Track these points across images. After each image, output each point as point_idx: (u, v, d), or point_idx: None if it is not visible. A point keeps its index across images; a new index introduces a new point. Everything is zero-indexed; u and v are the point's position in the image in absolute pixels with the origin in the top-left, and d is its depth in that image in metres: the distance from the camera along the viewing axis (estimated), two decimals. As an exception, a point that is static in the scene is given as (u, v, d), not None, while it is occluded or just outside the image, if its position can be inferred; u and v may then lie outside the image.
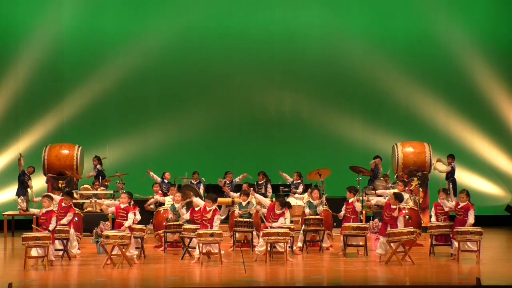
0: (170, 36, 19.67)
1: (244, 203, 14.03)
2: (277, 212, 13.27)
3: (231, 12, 19.83)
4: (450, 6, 19.71)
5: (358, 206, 13.86)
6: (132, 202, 13.33)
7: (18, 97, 19.57)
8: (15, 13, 19.47)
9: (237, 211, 14.09)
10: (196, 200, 13.65)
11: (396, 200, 12.78)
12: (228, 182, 17.44)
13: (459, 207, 13.07)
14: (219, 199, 16.46)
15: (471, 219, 12.88)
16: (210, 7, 19.80)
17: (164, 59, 19.76)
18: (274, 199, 13.87)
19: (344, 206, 13.96)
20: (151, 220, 15.58)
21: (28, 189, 17.20)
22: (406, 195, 14.95)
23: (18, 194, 17.40)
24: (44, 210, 12.77)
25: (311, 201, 14.35)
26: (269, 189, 17.43)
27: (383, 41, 19.72)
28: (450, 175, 17.48)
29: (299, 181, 17.16)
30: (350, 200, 13.92)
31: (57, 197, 13.86)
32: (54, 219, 12.68)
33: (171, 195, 15.24)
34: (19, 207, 17.28)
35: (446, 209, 13.34)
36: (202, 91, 19.93)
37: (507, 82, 19.66)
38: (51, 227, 12.60)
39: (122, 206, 12.95)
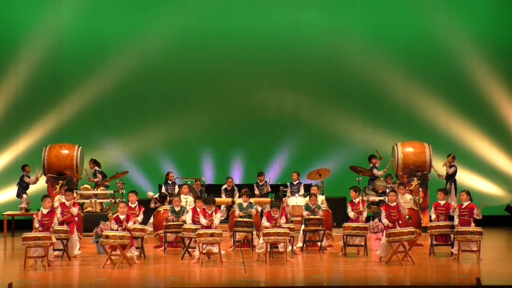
0: (170, 36, 19.66)
1: (245, 205, 13.99)
2: (276, 216, 13.26)
3: (231, 12, 19.81)
4: (449, 6, 19.69)
5: (365, 214, 13.85)
6: (136, 204, 13.31)
7: (18, 97, 19.56)
8: (15, 13, 19.46)
9: (237, 212, 14.07)
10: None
11: (394, 192, 12.96)
12: (228, 189, 17.30)
13: (463, 207, 13.05)
14: (219, 199, 16.51)
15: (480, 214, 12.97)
16: (210, 7, 19.79)
17: (164, 59, 19.74)
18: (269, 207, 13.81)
19: (350, 207, 13.90)
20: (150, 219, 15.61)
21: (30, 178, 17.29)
22: (408, 196, 14.98)
23: (18, 195, 17.46)
24: (45, 211, 12.72)
25: (309, 204, 14.30)
26: (268, 189, 17.44)
27: (383, 41, 19.71)
28: (452, 175, 17.49)
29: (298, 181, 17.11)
30: (356, 201, 13.88)
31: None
32: (56, 219, 12.71)
33: (183, 194, 15.18)
34: (21, 206, 17.33)
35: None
36: (202, 91, 19.92)
37: (507, 82, 19.66)
38: (53, 224, 12.62)
39: (122, 216, 12.85)
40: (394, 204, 12.88)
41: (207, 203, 13.15)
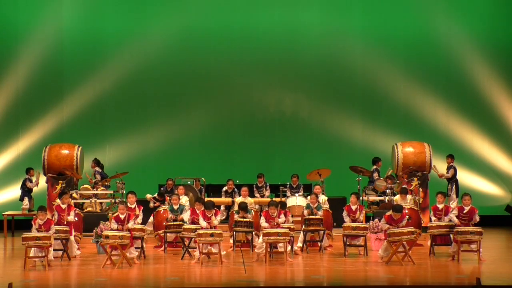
0: (170, 36, 19.65)
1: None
2: (274, 215, 13.24)
3: (231, 12, 19.80)
4: (449, 7, 19.69)
5: (360, 219, 13.83)
6: (135, 205, 13.29)
7: (18, 97, 19.55)
8: (15, 13, 19.46)
9: (236, 215, 14.02)
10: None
11: (397, 213, 12.83)
12: (229, 191, 17.21)
13: (464, 212, 13.04)
14: (218, 200, 16.50)
15: (477, 218, 12.95)
16: (210, 7, 19.78)
17: (164, 59, 19.74)
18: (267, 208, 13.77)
19: (346, 212, 13.83)
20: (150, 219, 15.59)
21: (33, 181, 17.29)
22: (408, 196, 14.96)
23: (22, 199, 17.47)
24: (41, 222, 12.65)
25: (310, 204, 14.30)
26: (268, 192, 17.40)
27: (383, 41, 19.70)
28: (452, 177, 17.50)
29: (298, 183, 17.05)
30: (353, 208, 13.82)
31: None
32: (53, 227, 12.69)
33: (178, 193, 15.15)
34: (23, 206, 17.34)
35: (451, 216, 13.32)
36: (202, 91, 19.92)
37: (507, 82, 19.65)
38: (51, 232, 12.59)
39: (122, 216, 12.87)
40: (397, 218, 12.85)
41: (207, 208, 13.13)
